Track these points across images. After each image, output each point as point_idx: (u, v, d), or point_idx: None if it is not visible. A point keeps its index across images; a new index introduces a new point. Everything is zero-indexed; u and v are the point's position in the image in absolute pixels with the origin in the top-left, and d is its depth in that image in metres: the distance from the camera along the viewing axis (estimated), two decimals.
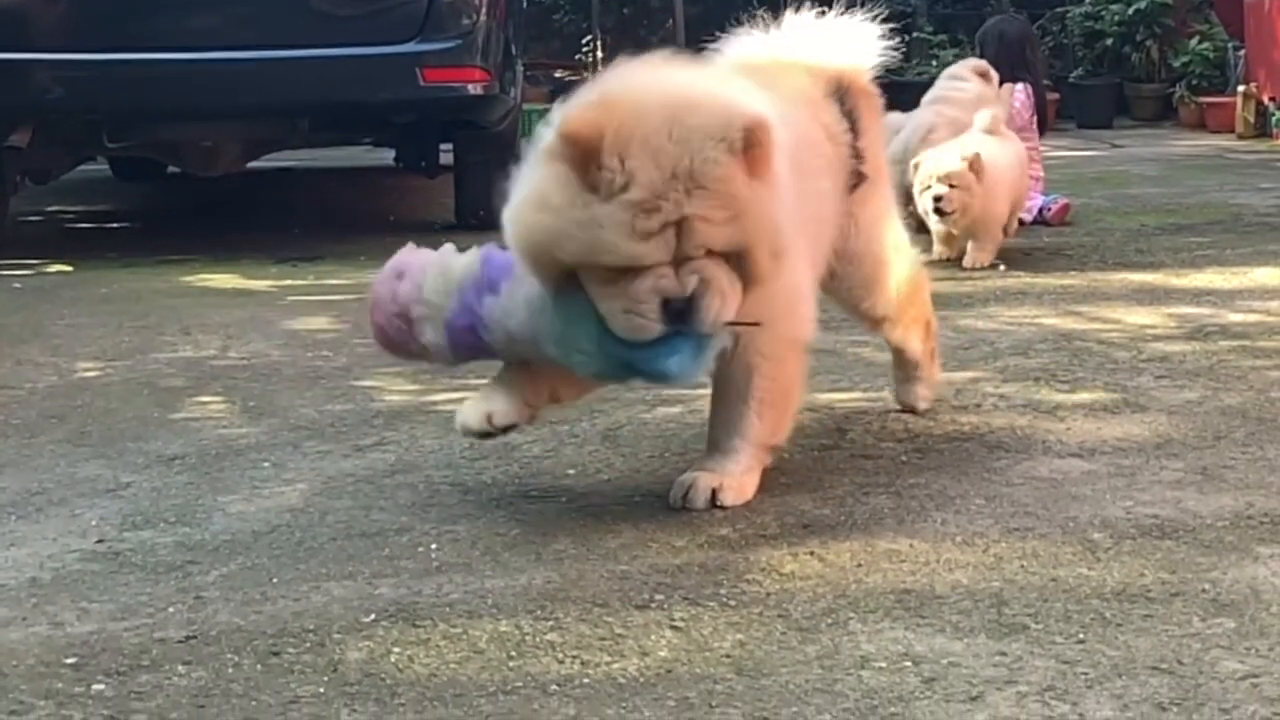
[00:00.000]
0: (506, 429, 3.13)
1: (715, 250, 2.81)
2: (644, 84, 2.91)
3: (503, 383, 3.13)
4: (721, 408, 3.20)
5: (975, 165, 5.99)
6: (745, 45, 3.55)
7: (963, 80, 7.11)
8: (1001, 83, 7.18)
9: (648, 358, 2.87)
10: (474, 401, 3.13)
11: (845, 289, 3.64)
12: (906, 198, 6.61)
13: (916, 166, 6.12)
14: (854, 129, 3.50)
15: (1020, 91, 7.29)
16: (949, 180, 5.99)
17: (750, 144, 2.80)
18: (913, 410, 3.83)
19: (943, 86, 7.17)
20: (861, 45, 3.63)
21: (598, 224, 2.76)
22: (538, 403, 3.16)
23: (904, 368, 3.86)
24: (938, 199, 6.01)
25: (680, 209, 2.76)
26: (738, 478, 3.16)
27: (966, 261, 6.09)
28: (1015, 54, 7.40)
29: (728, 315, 2.86)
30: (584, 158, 2.76)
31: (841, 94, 3.51)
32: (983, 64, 7.22)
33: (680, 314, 2.82)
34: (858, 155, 3.52)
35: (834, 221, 3.48)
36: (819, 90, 3.47)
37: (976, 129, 6.40)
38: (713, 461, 3.19)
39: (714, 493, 3.12)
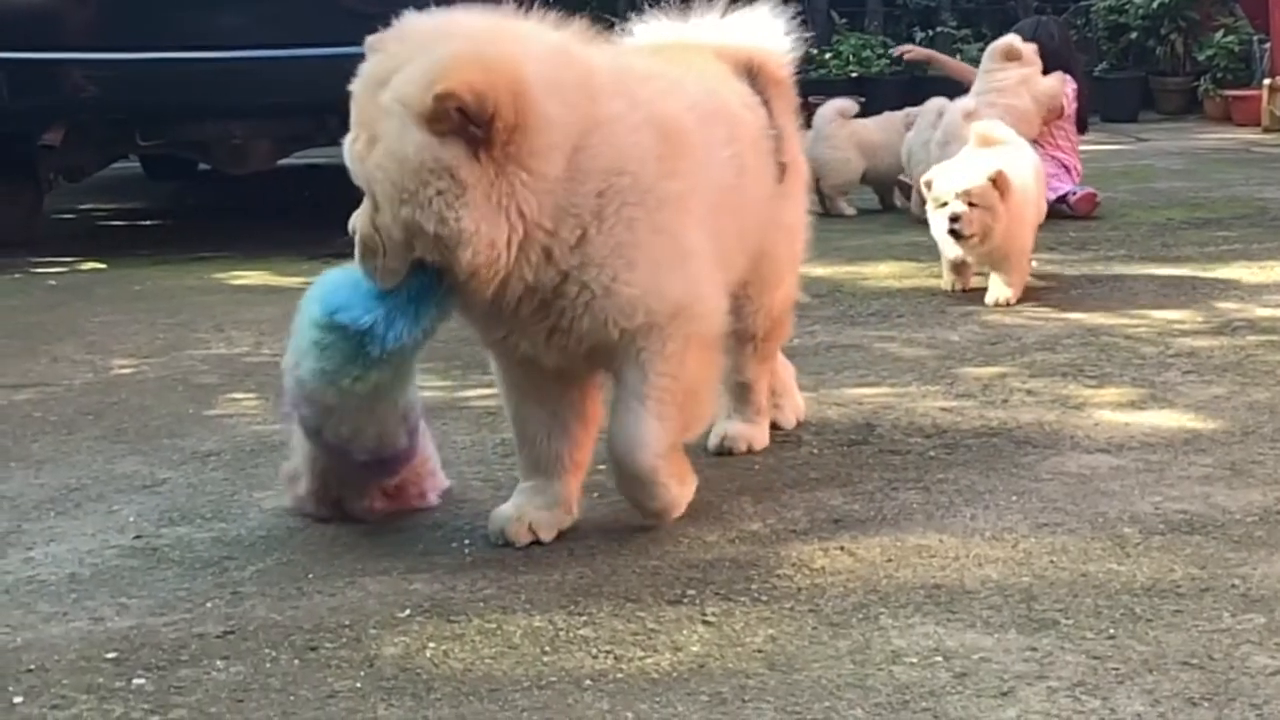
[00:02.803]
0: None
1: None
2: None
3: (539, 489, 3.02)
4: (619, 410, 2.95)
5: (1000, 183, 5.11)
6: (653, 31, 3.47)
7: (1000, 71, 7.07)
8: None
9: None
10: (514, 511, 3.00)
11: (745, 284, 3.37)
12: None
13: (929, 184, 5.26)
14: (768, 110, 3.38)
15: (1070, 81, 7.30)
16: (968, 198, 5.09)
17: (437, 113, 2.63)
18: (729, 453, 3.53)
19: (986, 81, 7.14)
20: (769, 33, 3.51)
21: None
22: (573, 499, 3.05)
23: (744, 411, 3.57)
24: (954, 219, 5.10)
25: (360, 119, 2.74)
26: (674, 491, 2.98)
27: (989, 298, 5.23)
28: (1058, 55, 7.38)
29: (390, 264, 2.75)
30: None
31: (751, 74, 3.39)
32: (1014, 48, 7.13)
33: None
34: (776, 140, 3.38)
35: (758, 208, 3.29)
36: (727, 68, 3.35)
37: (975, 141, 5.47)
38: (629, 485, 2.97)
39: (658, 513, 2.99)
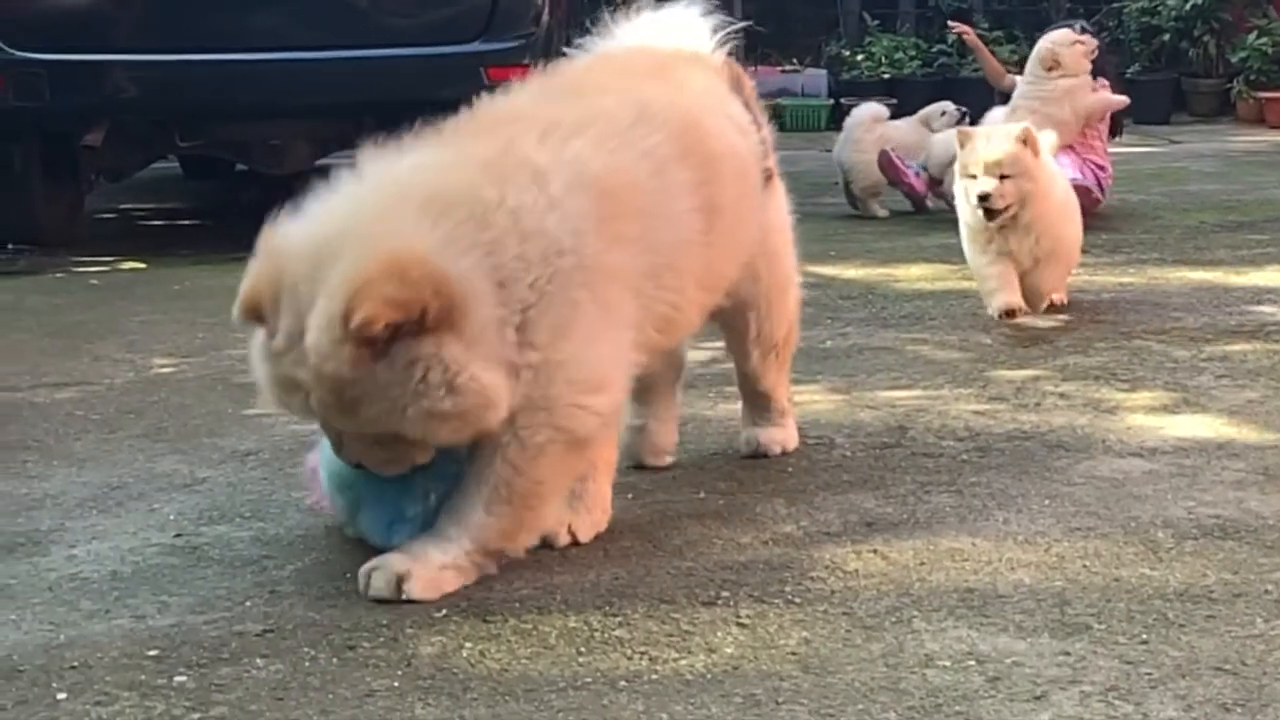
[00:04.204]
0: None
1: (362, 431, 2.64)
2: (319, 219, 2.68)
3: (573, 491, 2.94)
4: (459, 491, 2.78)
5: (1030, 140, 4.70)
6: (620, 38, 3.30)
7: (1046, 82, 7.05)
8: None
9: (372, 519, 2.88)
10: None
11: (750, 298, 3.31)
12: None
13: (962, 140, 4.84)
14: (756, 121, 3.27)
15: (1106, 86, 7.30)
16: (998, 169, 4.66)
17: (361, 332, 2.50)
18: (764, 456, 3.51)
19: (1031, 87, 7.13)
20: (707, 35, 3.35)
21: (266, 374, 2.69)
22: (606, 498, 3.03)
23: (769, 416, 3.54)
24: (984, 197, 4.66)
25: (296, 374, 2.60)
26: (434, 569, 2.72)
27: (1032, 301, 4.85)
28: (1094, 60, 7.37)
29: (407, 466, 2.74)
30: (251, 313, 2.65)
31: (737, 86, 3.28)
32: (1055, 56, 7.08)
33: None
34: (765, 150, 3.29)
35: (747, 230, 3.19)
36: (725, 86, 3.23)
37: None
38: (418, 544, 2.76)
39: (399, 580, 2.70)
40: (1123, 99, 7.27)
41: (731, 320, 3.36)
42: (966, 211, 4.81)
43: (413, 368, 2.55)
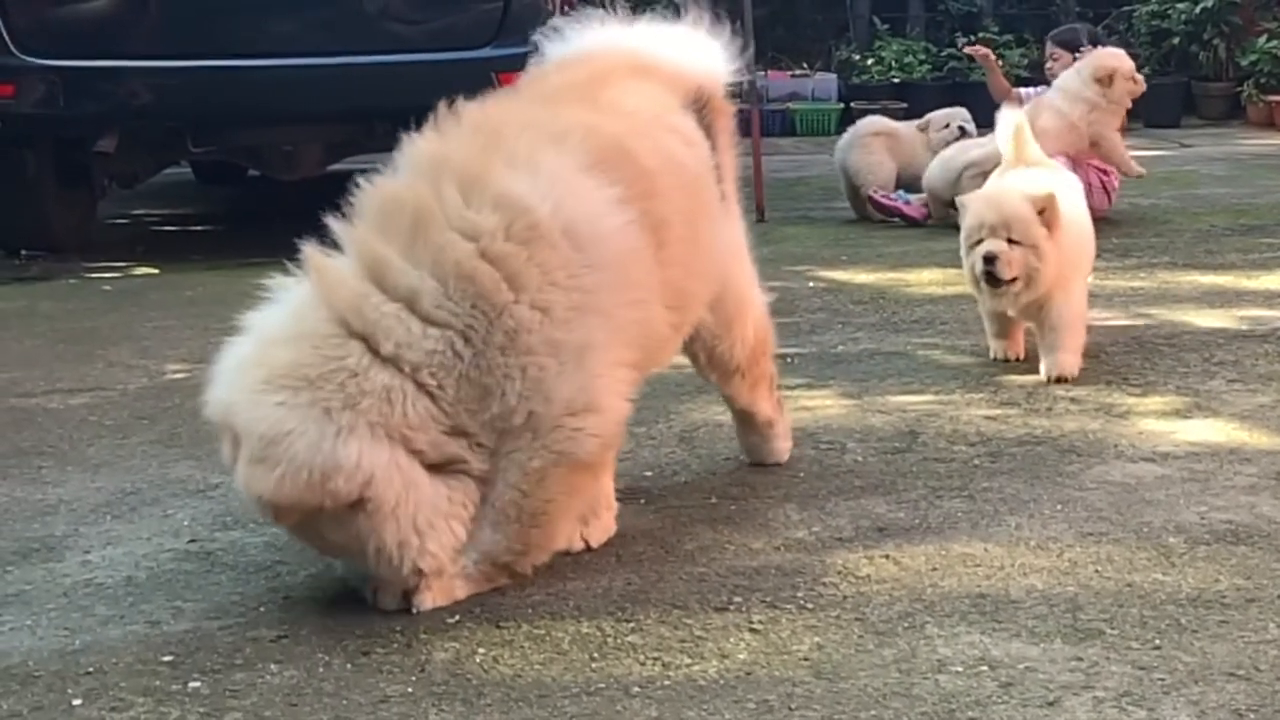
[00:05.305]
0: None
1: None
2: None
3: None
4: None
5: (1048, 211, 4.15)
6: (595, 41, 3.23)
7: (1084, 86, 7.02)
8: None
9: None
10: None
11: (700, 326, 3.23)
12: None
13: (963, 205, 4.35)
14: (712, 144, 3.20)
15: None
16: (1008, 231, 4.15)
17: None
18: (776, 463, 3.52)
19: (1067, 81, 7.11)
20: (716, 56, 3.29)
21: None
22: (610, 495, 3.08)
23: (757, 430, 3.51)
24: (989, 259, 4.15)
25: None
26: (446, 579, 2.74)
27: (1045, 371, 4.23)
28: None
29: None
30: None
31: (700, 106, 3.19)
32: (1109, 72, 7.03)
33: None
34: (718, 173, 3.22)
35: (709, 244, 3.11)
36: (675, 99, 3.15)
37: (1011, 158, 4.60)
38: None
39: (407, 593, 2.74)
40: (1139, 170, 7.22)
41: (686, 347, 3.31)
42: (970, 279, 4.29)
43: (343, 535, 2.66)
